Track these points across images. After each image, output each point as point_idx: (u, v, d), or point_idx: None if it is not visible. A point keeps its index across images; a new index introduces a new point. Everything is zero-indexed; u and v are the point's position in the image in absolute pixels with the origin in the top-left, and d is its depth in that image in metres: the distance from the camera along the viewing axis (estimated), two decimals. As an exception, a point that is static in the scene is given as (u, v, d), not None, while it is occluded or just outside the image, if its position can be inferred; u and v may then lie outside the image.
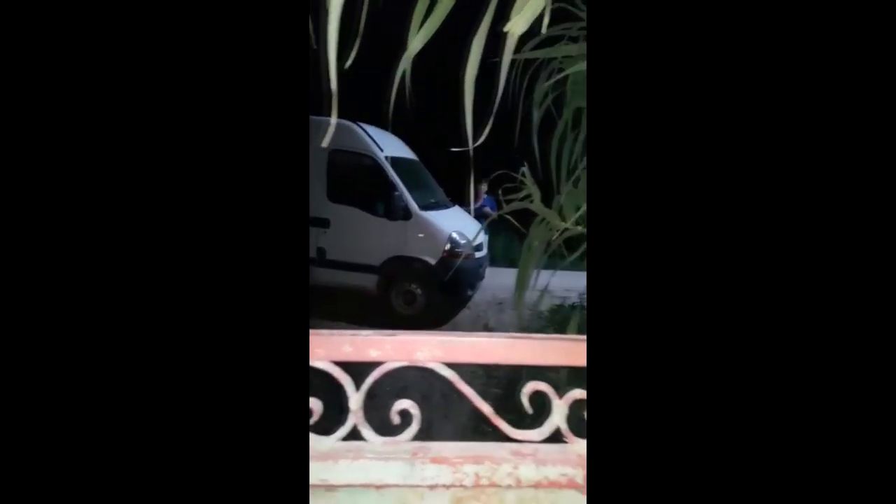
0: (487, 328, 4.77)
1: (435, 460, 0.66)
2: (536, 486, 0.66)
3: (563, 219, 1.50)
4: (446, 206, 5.46)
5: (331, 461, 0.66)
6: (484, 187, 6.13)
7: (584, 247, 1.50)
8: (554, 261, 1.60)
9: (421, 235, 4.89)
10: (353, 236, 4.93)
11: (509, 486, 0.66)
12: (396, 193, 4.89)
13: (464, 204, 5.55)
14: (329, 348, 0.66)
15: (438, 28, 0.71)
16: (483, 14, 0.68)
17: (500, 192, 1.68)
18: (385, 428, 0.70)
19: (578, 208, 1.46)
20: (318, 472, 0.65)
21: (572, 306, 3.88)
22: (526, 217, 1.59)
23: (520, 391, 0.69)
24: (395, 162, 5.13)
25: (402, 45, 0.72)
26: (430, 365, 0.68)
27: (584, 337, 0.69)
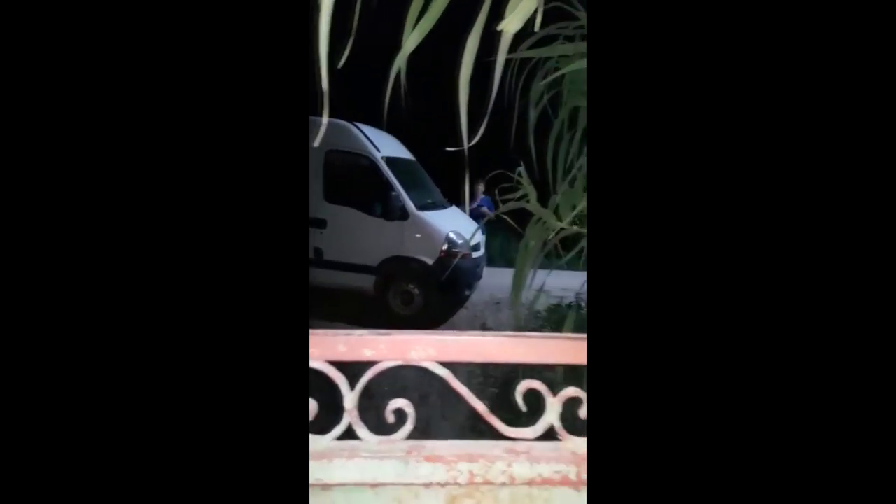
0: (485, 328, 4.77)
1: (429, 458, 0.66)
2: (530, 483, 0.66)
3: (560, 218, 1.51)
4: (443, 207, 5.46)
5: (326, 460, 0.66)
6: (481, 187, 6.13)
7: (580, 246, 1.50)
8: (551, 260, 1.60)
9: (418, 235, 4.89)
10: (351, 237, 4.93)
11: (503, 484, 0.66)
12: (393, 193, 4.89)
13: (461, 204, 5.55)
14: (324, 348, 0.66)
15: (435, 27, 0.71)
16: (477, 13, 0.68)
17: (496, 191, 1.69)
18: (380, 427, 0.70)
19: (574, 208, 1.47)
20: (313, 471, 0.65)
21: (569, 306, 3.88)
22: (523, 217, 1.59)
23: (514, 390, 0.69)
24: (392, 162, 5.13)
25: (398, 45, 0.72)
26: (425, 364, 0.68)
27: (579, 336, 0.69)
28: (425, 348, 0.67)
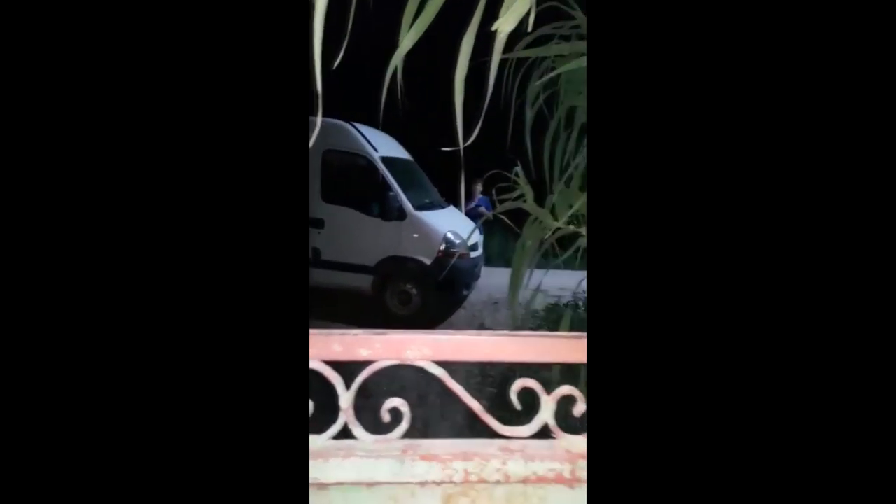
0: (483, 328, 4.78)
1: (425, 457, 0.67)
2: (525, 481, 0.67)
3: (556, 218, 1.51)
4: (441, 206, 5.46)
5: (322, 460, 0.66)
6: (479, 187, 6.14)
7: (576, 245, 1.50)
8: (548, 260, 1.60)
9: (416, 235, 4.89)
10: (348, 237, 4.93)
11: (498, 482, 0.67)
12: (391, 193, 4.90)
13: (459, 204, 5.56)
14: (319, 347, 0.67)
15: (433, 26, 0.71)
16: (473, 13, 0.68)
17: (493, 191, 1.69)
18: (376, 426, 0.70)
19: (571, 207, 1.47)
20: (309, 470, 0.65)
21: (566, 305, 3.89)
22: (520, 217, 1.59)
23: (510, 388, 0.69)
24: (390, 162, 5.13)
25: (395, 44, 0.72)
26: (420, 363, 0.68)
27: (575, 334, 0.70)
28: (420, 348, 0.68)
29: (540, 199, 1.58)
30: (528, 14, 0.64)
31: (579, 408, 0.69)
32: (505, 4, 0.68)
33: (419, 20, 0.71)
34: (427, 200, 5.33)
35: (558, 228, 1.51)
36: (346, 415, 0.68)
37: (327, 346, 0.67)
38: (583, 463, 0.67)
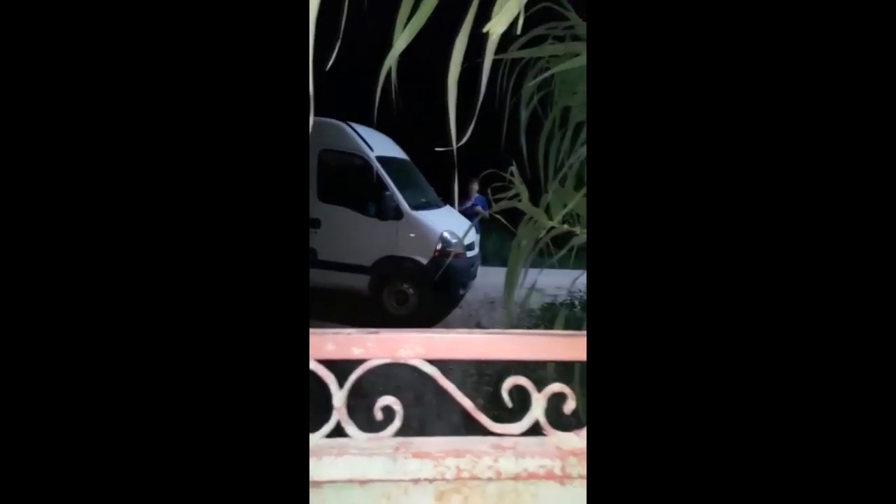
0: (479, 327, 4.78)
1: (417, 455, 0.67)
2: (516, 478, 0.67)
3: (551, 217, 1.52)
4: (437, 206, 5.46)
5: (315, 458, 0.67)
6: (475, 186, 6.15)
7: (570, 244, 1.51)
8: (543, 259, 1.61)
9: (412, 235, 4.90)
10: (345, 236, 4.93)
11: (490, 479, 0.67)
12: (387, 193, 4.89)
13: (454, 203, 5.56)
14: (313, 347, 0.67)
15: (429, 26, 0.72)
16: (465, 15, 0.69)
17: (489, 191, 1.70)
18: (369, 424, 0.71)
19: (565, 206, 1.48)
20: (302, 468, 0.66)
21: (562, 304, 3.90)
22: (516, 216, 1.60)
23: (501, 386, 0.70)
24: (386, 161, 5.13)
25: (389, 44, 0.73)
26: (413, 362, 0.69)
27: (568, 332, 0.70)
28: (413, 346, 0.68)
29: (535, 199, 1.59)
30: (517, 17, 0.65)
31: (570, 405, 0.70)
32: (496, 6, 0.69)
33: (413, 20, 0.71)
34: (423, 200, 5.33)
35: (553, 227, 1.52)
36: (339, 413, 0.69)
37: (321, 345, 0.67)
38: (573, 459, 0.68)
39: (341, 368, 0.68)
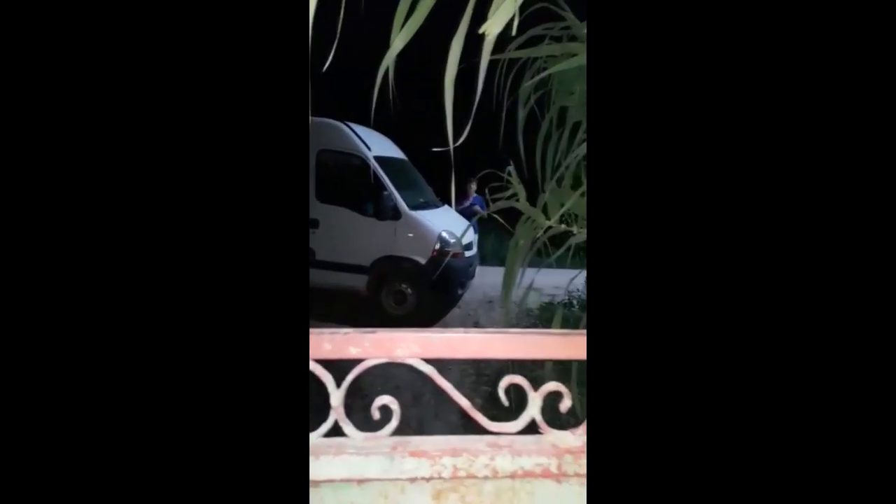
0: (478, 326, 4.79)
1: (414, 454, 0.68)
2: (512, 476, 0.68)
3: (548, 216, 1.52)
4: (436, 206, 5.47)
5: (313, 457, 0.67)
6: (473, 186, 6.15)
7: (567, 243, 1.52)
8: (541, 258, 1.62)
9: (410, 235, 4.90)
10: (343, 237, 4.93)
11: (486, 478, 0.68)
12: (385, 193, 4.89)
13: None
14: (310, 346, 0.67)
15: (427, 27, 0.72)
16: (462, 15, 0.69)
17: (486, 191, 1.70)
18: (366, 423, 0.71)
19: (562, 206, 1.48)
20: (300, 467, 0.66)
21: (560, 303, 3.91)
22: (514, 216, 1.61)
23: (498, 385, 0.70)
24: (384, 161, 5.13)
25: (386, 45, 0.73)
26: (410, 361, 0.69)
27: (565, 331, 0.71)
28: (410, 346, 0.69)
29: (532, 199, 1.60)
30: (512, 18, 0.65)
31: (566, 403, 0.70)
32: (492, 7, 0.69)
33: (410, 21, 0.72)
34: (422, 200, 5.34)
35: (550, 227, 1.53)
36: (336, 413, 0.69)
37: (318, 344, 0.68)
38: (569, 457, 0.68)
39: (339, 368, 0.68)
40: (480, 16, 0.69)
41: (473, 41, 0.70)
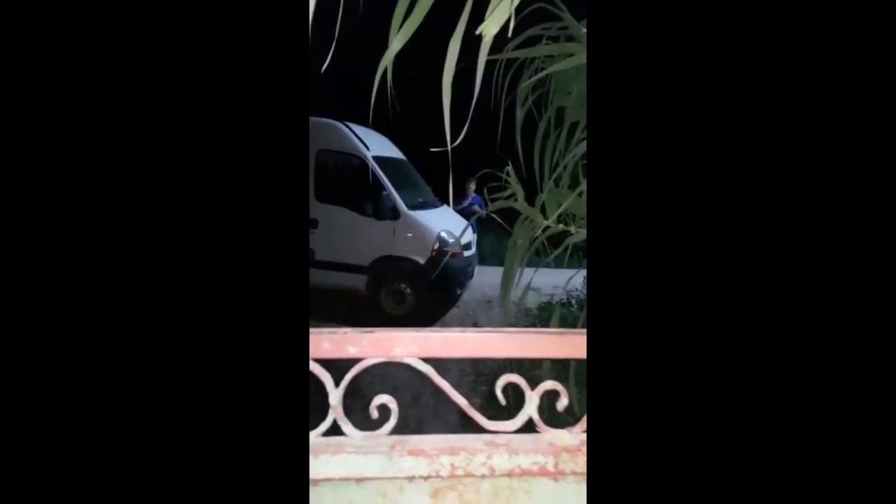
0: (476, 326, 4.79)
1: (412, 452, 0.68)
2: (510, 474, 0.68)
3: (546, 216, 1.53)
4: (435, 206, 5.47)
5: (311, 456, 0.67)
6: (472, 186, 6.15)
7: (565, 243, 1.52)
8: (539, 258, 1.62)
9: (409, 235, 4.90)
10: (342, 236, 4.93)
11: (484, 476, 0.68)
12: (384, 193, 4.90)
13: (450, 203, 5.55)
14: (309, 346, 0.68)
15: (423, 28, 0.72)
16: (460, 16, 0.69)
17: (485, 191, 1.70)
18: (365, 422, 0.71)
19: (560, 206, 1.49)
20: (299, 466, 0.66)
21: (559, 302, 3.91)
22: (512, 216, 1.61)
23: (496, 385, 0.70)
24: (383, 161, 5.13)
25: (385, 45, 0.73)
26: (408, 360, 0.70)
27: (562, 330, 0.71)
28: (408, 345, 0.69)
29: (531, 198, 1.60)
30: (509, 19, 0.66)
31: (563, 402, 0.71)
32: (490, 7, 0.69)
33: (409, 21, 0.72)
34: (421, 200, 5.34)
35: (548, 227, 1.53)
36: (335, 412, 0.69)
37: (317, 344, 0.68)
38: (566, 456, 0.69)
39: (337, 367, 0.68)
40: (478, 16, 0.69)
41: (471, 41, 0.70)
